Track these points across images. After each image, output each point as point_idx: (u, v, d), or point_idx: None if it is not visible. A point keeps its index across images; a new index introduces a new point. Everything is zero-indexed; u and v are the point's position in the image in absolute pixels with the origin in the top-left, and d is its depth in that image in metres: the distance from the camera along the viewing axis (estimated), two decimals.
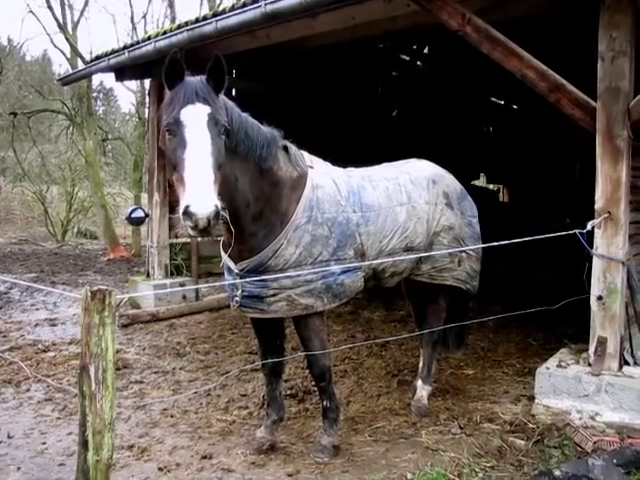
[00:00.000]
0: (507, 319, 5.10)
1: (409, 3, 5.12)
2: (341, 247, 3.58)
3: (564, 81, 4.02)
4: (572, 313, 4.73)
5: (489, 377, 5.14)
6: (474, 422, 4.13)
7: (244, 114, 3.40)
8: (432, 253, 4.10)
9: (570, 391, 3.96)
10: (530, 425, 3.96)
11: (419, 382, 4.44)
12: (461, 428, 4.02)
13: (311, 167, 3.69)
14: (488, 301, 7.46)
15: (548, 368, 4.14)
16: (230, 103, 3.28)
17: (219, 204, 2.77)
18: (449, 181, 4.44)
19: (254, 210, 3.40)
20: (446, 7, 4.24)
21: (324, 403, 3.72)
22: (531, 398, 4.30)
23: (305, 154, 3.77)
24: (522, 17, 5.71)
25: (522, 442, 3.74)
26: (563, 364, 4.14)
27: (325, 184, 3.65)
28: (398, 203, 3.98)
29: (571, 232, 3.72)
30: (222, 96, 3.15)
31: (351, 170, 4.11)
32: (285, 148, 3.60)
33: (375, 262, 3.79)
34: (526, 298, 5.80)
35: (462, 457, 3.57)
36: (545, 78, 4.05)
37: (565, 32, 8.40)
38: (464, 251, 4.28)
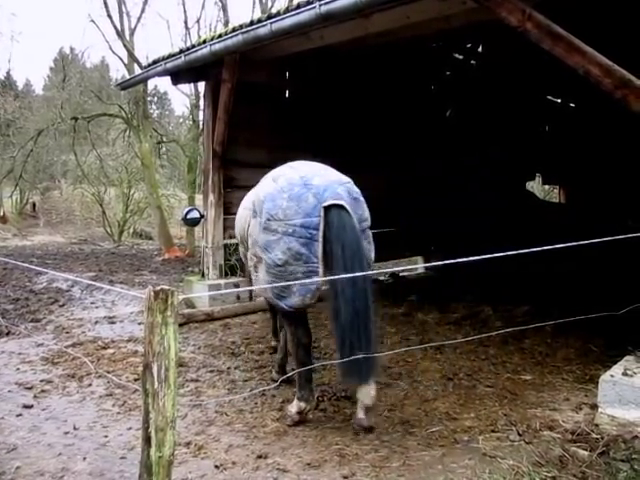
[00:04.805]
0: (565, 322, 4.92)
1: (465, 0, 5.05)
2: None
3: (632, 77, 3.86)
4: (635, 319, 4.52)
5: (548, 383, 4.97)
6: (533, 429, 3.99)
7: None
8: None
9: (638, 401, 3.77)
10: (593, 435, 3.78)
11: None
12: (520, 435, 3.90)
13: None
14: (546, 304, 7.26)
15: (613, 376, 3.96)
16: None
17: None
18: (261, 187, 4.33)
19: None
20: (505, 3, 4.14)
21: None
22: (594, 407, 4.13)
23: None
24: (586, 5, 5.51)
25: (585, 453, 3.57)
26: (629, 372, 3.95)
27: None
28: (242, 207, 4.87)
29: (638, 235, 3.57)
30: None
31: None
32: None
33: None
34: (587, 301, 5.60)
35: (521, 465, 3.45)
36: (610, 74, 3.89)
37: (633, 22, 8.01)
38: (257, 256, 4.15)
